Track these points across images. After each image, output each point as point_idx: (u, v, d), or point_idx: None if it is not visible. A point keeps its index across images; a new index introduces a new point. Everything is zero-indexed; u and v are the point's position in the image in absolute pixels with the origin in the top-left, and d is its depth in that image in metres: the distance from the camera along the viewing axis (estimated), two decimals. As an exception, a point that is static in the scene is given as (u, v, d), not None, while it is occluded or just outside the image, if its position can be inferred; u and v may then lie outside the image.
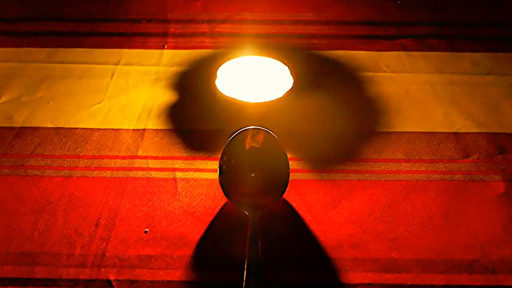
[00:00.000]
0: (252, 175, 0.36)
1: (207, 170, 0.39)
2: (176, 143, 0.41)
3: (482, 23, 0.56)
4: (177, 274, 0.32)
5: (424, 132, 0.43)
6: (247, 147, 0.36)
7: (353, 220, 0.35)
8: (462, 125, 0.43)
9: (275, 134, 0.36)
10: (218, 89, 0.46)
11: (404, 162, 0.40)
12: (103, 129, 0.43)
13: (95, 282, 0.32)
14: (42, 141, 0.41)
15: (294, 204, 0.37)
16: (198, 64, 0.50)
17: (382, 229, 0.35)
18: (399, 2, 0.59)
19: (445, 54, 0.51)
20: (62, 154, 0.40)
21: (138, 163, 0.40)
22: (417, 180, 0.38)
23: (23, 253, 0.33)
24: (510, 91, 0.47)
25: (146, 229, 0.35)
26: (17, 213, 0.36)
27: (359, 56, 0.51)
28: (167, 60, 0.50)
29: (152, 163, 0.40)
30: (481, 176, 0.39)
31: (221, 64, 0.49)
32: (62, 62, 0.50)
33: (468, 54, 0.51)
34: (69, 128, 0.43)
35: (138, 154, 0.40)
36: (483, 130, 0.43)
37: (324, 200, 0.37)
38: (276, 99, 0.45)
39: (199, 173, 0.39)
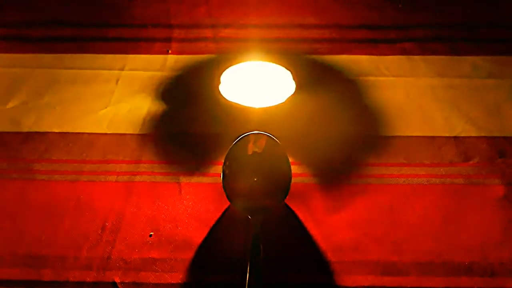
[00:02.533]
0: (255, 179, 0.36)
1: (210, 174, 0.40)
2: (180, 148, 0.42)
3: (483, 26, 0.56)
4: (181, 277, 0.33)
5: (425, 136, 0.43)
6: (250, 152, 0.37)
7: (354, 224, 0.36)
8: (462, 129, 0.44)
9: (277, 139, 0.37)
10: (221, 94, 0.47)
11: (405, 166, 0.40)
12: (108, 134, 0.43)
13: (101, 285, 0.32)
14: (49, 146, 0.42)
15: (295, 207, 0.37)
16: (201, 69, 0.51)
17: (382, 232, 0.35)
18: (400, 6, 0.60)
19: (445, 57, 0.52)
20: (68, 158, 0.41)
21: (143, 167, 0.40)
22: (418, 183, 0.39)
23: (30, 256, 0.34)
24: (511, 95, 0.47)
25: (151, 233, 0.36)
26: (25, 217, 0.37)
27: (360, 60, 0.51)
28: (171, 65, 0.51)
29: (156, 168, 0.40)
30: (481, 180, 0.39)
31: (225, 69, 0.49)
32: (68, 68, 0.51)
33: (468, 57, 0.52)
34: (75, 133, 0.43)
35: (143, 159, 0.41)
36: (483, 134, 0.43)
37: (325, 204, 0.37)
38: (279, 104, 0.46)
39: (203, 177, 0.39)
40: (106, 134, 0.43)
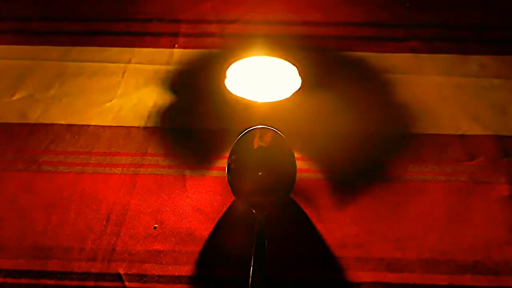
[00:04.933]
0: (260, 174, 0.36)
1: (215, 168, 0.40)
2: (185, 142, 0.42)
3: (491, 26, 0.56)
4: (185, 269, 0.33)
5: (431, 133, 0.43)
6: (255, 146, 0.37)
7: (358, 220, 0.36)
8: (468, 128, 0.43)
9: (283, 134, 0.37)
10: (227, 89, 0.47)
11: (410, 164, 0.40)
12: (114, 126, 0.44)
13: (105, 276, 0.33)
14: (55, 137, 0.42)
15: (300, 203, 0.37)
16: (207, 64, 0.51)
17: (387, 229, 0.35)
18: (408, 5, 0.59)
19: (453, 56, 0.52)
20: (74, 150, 0.41)
21: (148, 160, 0.40)
22: (423, 181, 0.39)
23: (36, 247, 0.34)
24: (518, 94, 0.47)
25: (155, 225, 0.36)
26: (31, 208, 0.37)
27: (367, 57, 0.51)
28: (177, 60, 0.51)
29: (161, 161, 0.40)
30: (486, 179, 0.39)
31: (230, 64, 0.49)
32: (74, 61, 0.51)
33: (476, 57, 0.51)
34: (81, 125, 0.44)
35: (148, 152, 0.41)
36: (489, 133, 0.43)
37: (330, 200, 0.37)
38: (284, 99, 0.46)
39: (208, 171, 0.40)
40: (111, 126, 0.44)
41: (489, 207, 0.37)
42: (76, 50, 0.52)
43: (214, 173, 0.39)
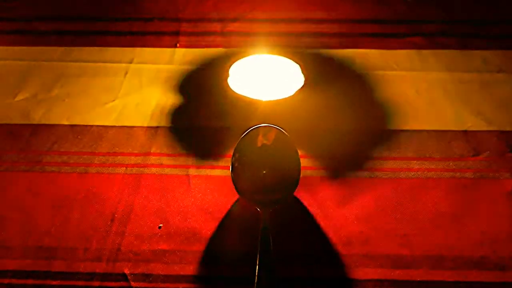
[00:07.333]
0: (264, 172, 0.36)
1: (219, 167, 0.40)
2: (189, 141, 0.42)
3: (493, 21, 0.56)
4: (191, 269, 0.33)
5: (435, 130, 0.43)
6: (259, 144, 0.37)
7: (363, 217, 0.36)
8: (472, 123, 0.43)
9: (286, 132, 0.36)
10: (230, 87, 0.47)
11: (414, 160, 0.40)
12: (117, 126, 0.43)
13: (110, 276, 0.33)
14: (58, 138, 0.42)
15: (304, 200, 0.37)
16: (210, 63, 0.51)
17: (392, 226, 0.35)
18: (410, 0, 0.59)
19: (455, 52, 0.51)
20: (77, 151, 0.41)
21: (152, 160, 0.40)
22: (427, 177, 0.39)
23: (41, 248, 0.34)
24: (521, 89, 0.47)
25: (160, 225, 0.36)
26: (35, 209, 0.37)
27: (370, 54, 0.51)
28: (179, 59, 0.51)
29: (165, 160, 0.40)
30: (491, 174, 0.39)
31: (233, 63, 0.49)
32: (76, 61, 0.51)
33: (479, 52, 0.51)
34: (84, 126, 0.44)
35: (152, 151, 0.41)
36: (493, 128, 0.43)
37: (335, 197, 0.37)
38: (288, 97, 0.46)
39: (212, 170, 0.39)
40: (115, 126, 0.43)
41: (494, 202, 0.37)
42: (77, 50, 0.52)
43: (218, 171, 0.39)
